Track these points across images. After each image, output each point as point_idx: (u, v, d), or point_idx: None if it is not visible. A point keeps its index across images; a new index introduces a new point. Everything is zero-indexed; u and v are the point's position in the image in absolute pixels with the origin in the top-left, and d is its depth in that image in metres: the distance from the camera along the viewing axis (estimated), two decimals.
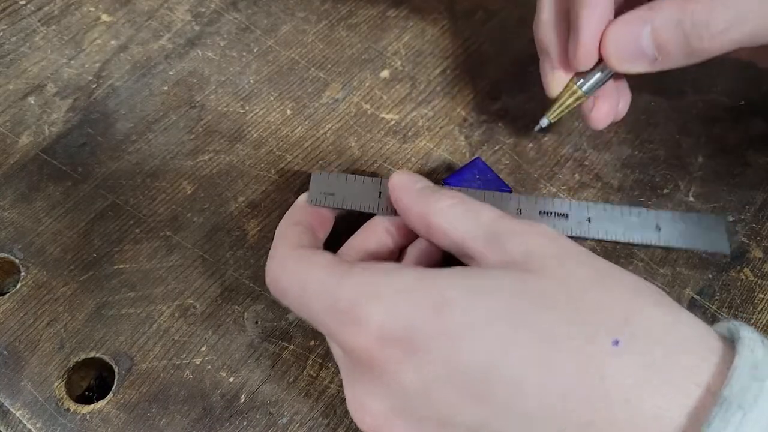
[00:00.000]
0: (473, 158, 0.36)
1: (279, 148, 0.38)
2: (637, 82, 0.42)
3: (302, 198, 0.33)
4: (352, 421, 0.31)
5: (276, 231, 0.31)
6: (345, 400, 0.27)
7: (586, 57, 0.32)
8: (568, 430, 0.23)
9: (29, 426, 0.30)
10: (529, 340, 0.23)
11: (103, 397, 0.31)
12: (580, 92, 0.34)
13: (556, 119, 0.35)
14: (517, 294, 0.24)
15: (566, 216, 0.34)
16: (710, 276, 0.35)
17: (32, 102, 0.39)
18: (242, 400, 0.31)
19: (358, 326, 0.25)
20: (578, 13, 0.31)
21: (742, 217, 0.37)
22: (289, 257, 0.28)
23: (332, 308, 0.26)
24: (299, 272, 0.28)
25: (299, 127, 0.39)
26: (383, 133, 0.39)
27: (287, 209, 0.36)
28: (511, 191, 0.35)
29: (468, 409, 0.24)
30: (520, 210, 0.34)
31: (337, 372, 0.32)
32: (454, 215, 0.28)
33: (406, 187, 0.30)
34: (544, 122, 0.35)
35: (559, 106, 0.35)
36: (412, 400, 0.24)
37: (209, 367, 0.32)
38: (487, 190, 0.34)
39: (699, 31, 0.29)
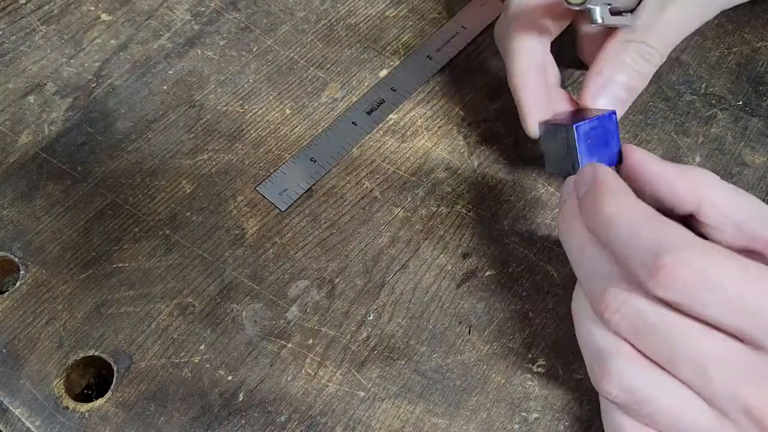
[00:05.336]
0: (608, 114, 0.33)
1: (278, 147, 0.38)
2: None
3: None
4: (350, 418, 0.31)
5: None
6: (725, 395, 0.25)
7: (533, 129, 0.35)
8: None
9: (28, 424, 0.30)
10: None
11: (101, 395, 0.31)
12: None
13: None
14: None
15: None
16: None
17: (32, 101, 0.39)
18: (240, 399, 0.31)
19: None
20: (514, 88, 0.35)
21: None
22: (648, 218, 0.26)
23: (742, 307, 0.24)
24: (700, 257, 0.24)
25: (298, 127, 0.39)
26: (382, 132, 0.39)
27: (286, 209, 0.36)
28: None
29: None
30: None
31: (336, 370, 0.32)
32: (728, 193, 0.28)
33: (653, 159, 0.29)
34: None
35: None
36: None
37: (208, 365, 0.32)
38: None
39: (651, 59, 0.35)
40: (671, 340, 0.25)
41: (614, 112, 0.32)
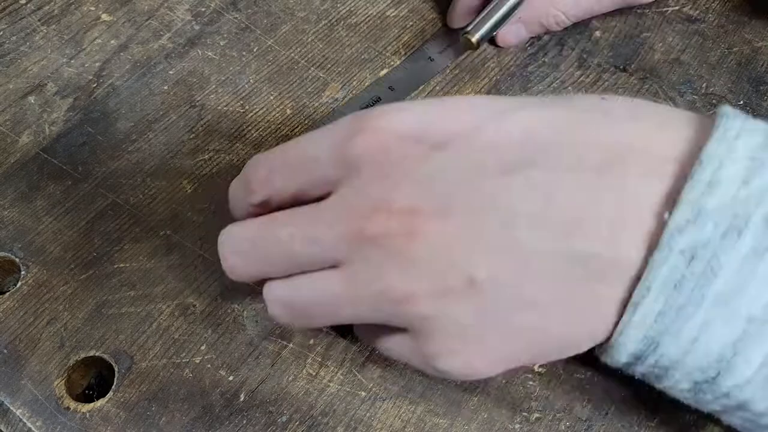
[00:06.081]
0: None
1: None
2: (634, 82, 0.42)
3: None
4: (352, 418, 0.31)
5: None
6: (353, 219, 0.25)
7: (459, 20, 0.42)
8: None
9: (29, 424, 0.30)
10: (556, 113, 0.25)
11: (103, 395, 0.31)
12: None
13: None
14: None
15: None
16: None
17: (32, 101, 0.39)
18: (242, 399, 0.31)
19: (374, 131, 0.25)
20: None
21: None
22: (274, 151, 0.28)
23: (337, 133, 0.26)
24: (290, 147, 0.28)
25: (299, 127, 0.39)
26: None
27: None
28: None
29: (502, 180, 0.24)
30: None
31: (337, 370, 0.32)
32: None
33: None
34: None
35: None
36: (439, 184, 0.24)
37: (209, 365, 0.32)
38: None
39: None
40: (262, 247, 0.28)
41: None
